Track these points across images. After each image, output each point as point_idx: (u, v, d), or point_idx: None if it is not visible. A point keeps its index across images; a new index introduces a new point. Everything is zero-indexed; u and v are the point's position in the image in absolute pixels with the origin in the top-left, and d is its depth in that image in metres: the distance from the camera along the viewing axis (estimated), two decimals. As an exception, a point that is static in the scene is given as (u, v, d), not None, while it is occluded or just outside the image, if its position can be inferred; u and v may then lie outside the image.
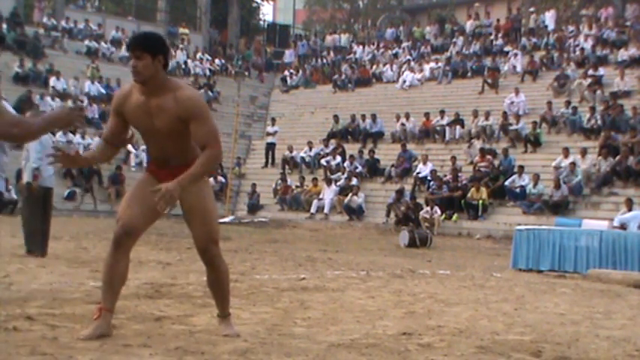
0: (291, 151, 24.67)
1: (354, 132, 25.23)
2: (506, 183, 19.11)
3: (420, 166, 21.28)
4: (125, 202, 4.40)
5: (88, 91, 26.39)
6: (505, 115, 22.27)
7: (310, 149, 24.43)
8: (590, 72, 23.29)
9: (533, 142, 20.88)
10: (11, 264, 8.00)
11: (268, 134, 26.35)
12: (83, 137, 23.03)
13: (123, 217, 4.29)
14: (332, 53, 34.17)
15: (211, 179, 23.68)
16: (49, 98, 24.07)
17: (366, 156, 23.12)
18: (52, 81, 25.84)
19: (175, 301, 5.95)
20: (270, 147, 25.80)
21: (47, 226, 8.94)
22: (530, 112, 22.75)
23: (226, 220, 20.78)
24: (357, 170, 22.45)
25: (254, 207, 23.01)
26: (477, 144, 21.33)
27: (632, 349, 4.85)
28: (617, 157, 18.23)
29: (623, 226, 11.40)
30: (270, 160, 25.77)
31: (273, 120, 27.21)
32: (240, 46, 36.57)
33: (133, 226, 4.27)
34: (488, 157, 20.27)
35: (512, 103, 23.12)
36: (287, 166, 24.44)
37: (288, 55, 34.35)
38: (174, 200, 4.10)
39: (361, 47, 33.56)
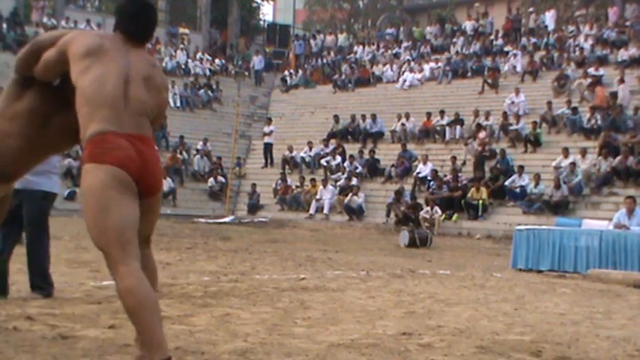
0: (291, 151, 24.66)
1: (354, 132, 25.23)
2: (506, 183, 19.11)
3: (420, 166, 21.29)
4: None
5: (88, 90, 26.39)
6: (505, 115, 22.28)
7: (310, 149, 24.43)
8: (591, 72, 23.31)
9: (533, 142, 20.89)
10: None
11: (265, 134, 26.27)
12: (83, 137, 23.02)
13: None
14: (332, 53, 34.18)
15: (211, 179, 23.74)
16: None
17: (366, 156, 23.12)
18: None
19: (175, 301, 5.94)
20: (268, 147, 25.74)
21: None
22: (530, 112, 22.75)
23: (226, 220, 20.81)
24: (357, 170, 22.45)
25: (254, 207, 23.01)
26: (475, 143, 21.35)
27: (632, 349, 4.85)
28: (617, 157, 18.23)
29: (620, 226, 11.37)
30: (268, 160, 25.75)
31: (269, 120, 27.14)
32: (240, 46, 36.58)
33: None
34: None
35: (512, 103, 23.13)
36: (287, 166, 24.43)
37: (258, 62, 33.91)
38: None
39: (361, 47, 33.58)
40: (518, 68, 26.11)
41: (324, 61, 33.62)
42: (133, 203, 3.34)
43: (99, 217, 3.25)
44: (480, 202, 18.74)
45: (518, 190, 18.83)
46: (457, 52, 29.30)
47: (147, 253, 3.59)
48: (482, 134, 21.24)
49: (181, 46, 33.11)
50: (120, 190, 3.28)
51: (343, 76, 30.55)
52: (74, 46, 3.49)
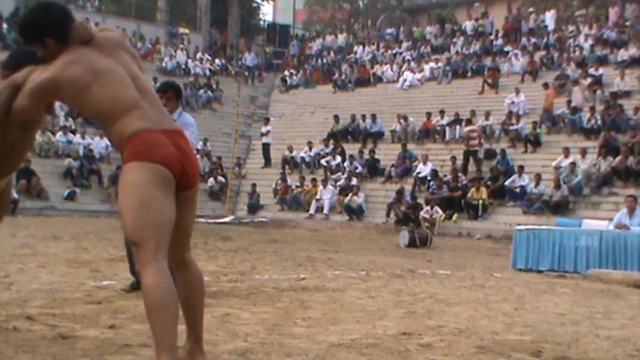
0: (291, 151, 24.66)
1: (354, 132, 25.24)
2: (506, 183, 19.12)
3: (420, 166, 21.29)
4: None
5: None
6: (509, 114, 22.30)
7: (310, 149, 24.43)
8: (591, 72, 23.32)
9: (533, 142, 20.90)
10: (11, 264, 8.01)
11: (262, 135, 26.18)
12: (83, 137, 23.04)
13: None
14: (332, 53, 34.19)
15: (211, 179, 23.73)
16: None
17: (366, 156, 23.13)
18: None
19: (175, 301, 5.93)
20: (266, 147, 25.71)
21: None
22: (530, 112, 22.76)
23: (226, 220, 20.81)
24: (357, 170, 22.46)
25: (254, 207, 23.01)
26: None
27: (632, 349, 4.84)
28: (617, 157, 18.25)
29: (620, 226, 11.36)
30: (267, 161, 25.72)
31: (267, 120, 27.03)
32: (240, 46, 36.59)
33: None
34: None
35: (512, 103, 23.14)
36: (287, 166, 24.43)
37: (250, 60, 33.78)
38: None
39: (361, 47, 33.59)
40: (518, 68, 26.12)
41: (324, 61, 33.63)
42: (172, 204, 3.30)
43: (139, 212, 3.18)
44: (480, 202, 18.74)
45: (518, 190, 18.83)
46: (457, 52, 29.32)
47: (191, 261, 3.57)
48: (467, 128, 21.21)
49: (181, 46, 33.12)
50: (162, 189, 3.24)
51: (343, 76, 30.56)
52: (65, 88, 3.33)
